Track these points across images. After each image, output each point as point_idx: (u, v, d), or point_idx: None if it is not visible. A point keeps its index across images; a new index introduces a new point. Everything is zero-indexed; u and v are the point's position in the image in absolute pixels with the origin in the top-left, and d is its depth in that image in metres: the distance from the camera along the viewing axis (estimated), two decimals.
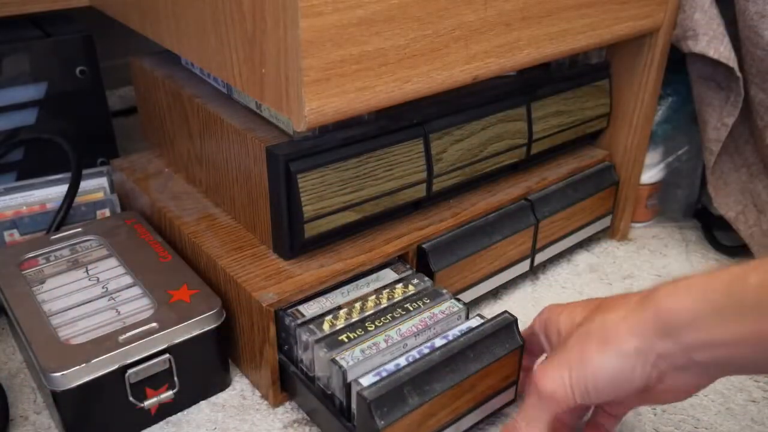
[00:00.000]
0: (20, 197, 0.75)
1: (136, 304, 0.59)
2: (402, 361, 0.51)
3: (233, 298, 0.59)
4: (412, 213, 0.67)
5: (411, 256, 0.64)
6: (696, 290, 0.36)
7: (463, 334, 0.54)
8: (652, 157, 0.82)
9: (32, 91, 0.79)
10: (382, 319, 0.55)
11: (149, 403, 0.56)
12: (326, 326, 0.54)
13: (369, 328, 0.54)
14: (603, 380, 0.40)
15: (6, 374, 0.63)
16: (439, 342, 0.53)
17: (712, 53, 0.68)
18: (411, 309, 0.57)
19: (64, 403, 0.52)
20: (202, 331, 0.57)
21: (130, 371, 0.53)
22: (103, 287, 0.61)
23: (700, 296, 0.36)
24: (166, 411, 0.58)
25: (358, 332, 0.54)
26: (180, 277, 0.61)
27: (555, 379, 0.42)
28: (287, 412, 0.59)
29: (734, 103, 0.70)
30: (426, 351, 0.52)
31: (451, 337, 0.54)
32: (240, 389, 0.62)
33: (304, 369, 0.56)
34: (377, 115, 0.59)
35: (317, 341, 0.53)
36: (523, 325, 0.56)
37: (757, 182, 0.75)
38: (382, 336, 0.53)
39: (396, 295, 0.58)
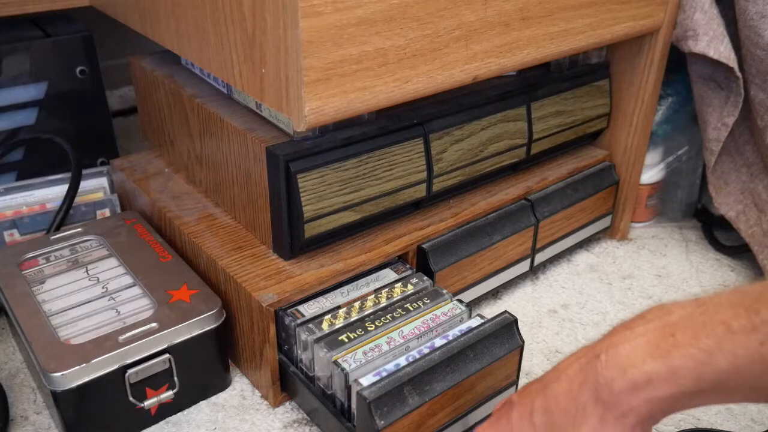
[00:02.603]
0: (20, 197, 0.75)
1: (136, 304, 0.59)
2: (402, 361, 0.51)
3: (233, 298, 0.59)
4: (412, 213, 0.67)
5: (411, 256, 0.64)
6: (662, 377, 0.34)
7: (463, 334, 0.54)
8: (652, 157, 0.82)
9: (32, 91, 0.79)
10: (381, 319, 0.55)
11: (149, 403, 0.56)
12: (325, 325, 0.54)
13: (369, 328, 0.54)
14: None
15: (6, 374, 0.63)
16: (439, 342, 0.53)
17: (712, 53, 0.68)
18: (411, 309, 0.57)
19: (64, 403, 0.52)
20: (202, 331, 0.57)
21: (130, 371, 0.53)
22: (103, 287, 0.61)
23: (669, 390, 0.34)
24: (166, 411, 0.58)
25: (358, 332, 0.54)
26: (180, 277, 0.61)
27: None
28: (287, 412, 0.59)
29: (734, 103, 0.70)
30: (426, 351, 0.52)
31: (451, 337, 0.54)
32: (240, 389, 0.62)
33: (304, 369, 0.56)
34: (377, 115, 0.59)
35: (317, 340, 0.53)
36: (523, 325, 0.55)
37: (758, 182, 0.75)
38: (384, 338, 0.53)
39: (395, 295, 0.58)
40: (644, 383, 0.35)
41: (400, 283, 0.60)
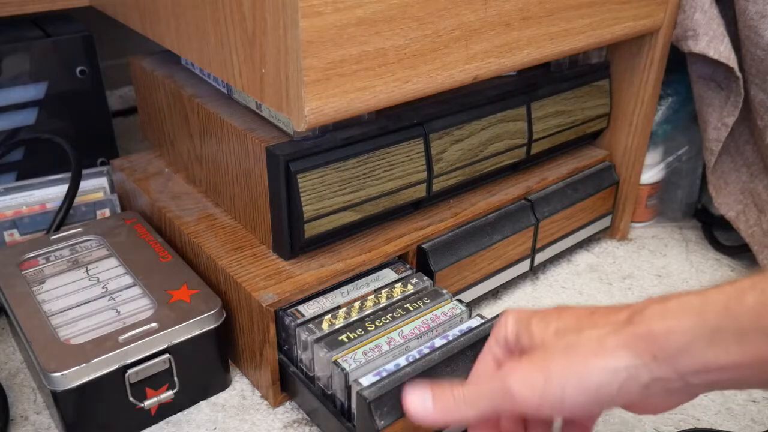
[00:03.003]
0: (20, 197, 0.75)
1: (136, 304, 0.59)
2: (402, 361, 0.51)
3: (233, 298, 0.59)
4: (412, 213, 0.67)
5: (411, 256, 0.64)
6: (690, 312, 0.35)
7: (463, 334, 0.54)
8: (652, 157, 0.82)
9: (32, 91, 0.79)
10: (381, 319, 0.55)
11: (149, 403, 0.56)
12: (325, 325, 0.54)
13: (369, 328, 0.54)
14: (584, 394, 0.37)
15: (6, 374, 0.63)
16: (439, 342, 0.53)
17: (712, 53, 0.68)
18: (411, 309, 0.56)
19: (64, 403, 0.52)
20: (202, 331, 0.57)
21: (130, 371, 0.53)
22: (103, 287, 0.61)
23: (695, 319, 0.34)
24: (166, 411, 0.58)
25: (358, 332, 0.54)
26: (180, 277, 0.61)
27: (527, 381, 0.38)
28: (287, 412, 0.59)
29: (734, 103, 0.70)
30: (426, 351, 0.52)
31: (451, 337, 0.54)
32: (240, 389, 0.62)
33: (304, 369, 0.56)
34: (377, 115, 0.59)
35: (317, 340, 0.53)
36: None
37: (758, 182, 0.75)
38: (384, 338, 0.53)
39: (395, 295, 0.58)
40: (671, 306, 0.35)
41: (400, 283, 0.60)
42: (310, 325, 0.54)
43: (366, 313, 0.56)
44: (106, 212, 0.76)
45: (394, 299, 0.58)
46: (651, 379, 0.36)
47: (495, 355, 0.43)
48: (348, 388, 0.50)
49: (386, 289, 0.59)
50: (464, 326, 0.55)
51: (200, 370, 0.59)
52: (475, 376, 0.44)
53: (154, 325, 0.55)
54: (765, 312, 0.32)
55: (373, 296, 0.58)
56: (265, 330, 0.55)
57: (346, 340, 0.53)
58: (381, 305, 0.57)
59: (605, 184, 0.78)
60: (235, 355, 0.63)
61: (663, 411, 0.39)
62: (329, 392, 0.53)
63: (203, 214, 0.67)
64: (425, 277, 0.61)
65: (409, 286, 0.60)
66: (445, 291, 0.59)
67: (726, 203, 0.77)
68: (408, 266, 0.63)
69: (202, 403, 0.60)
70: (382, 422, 0.47)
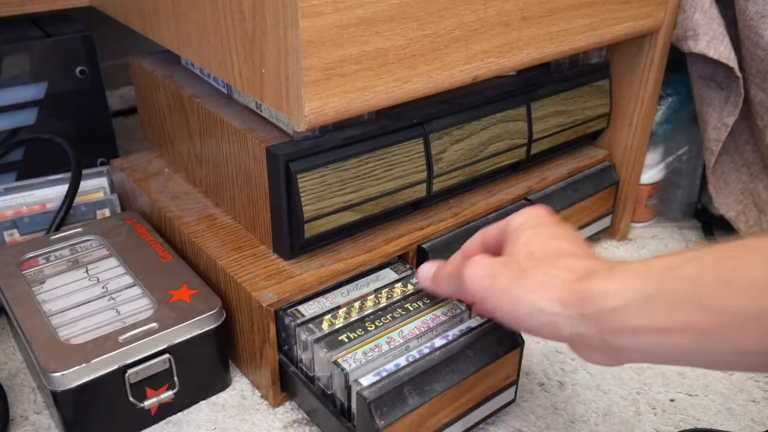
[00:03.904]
0: (20, 197, 0.75)
1: (136, 304, 0.59)
2: (402, 361, 0.51)
3: (233, 298, 0.59)
4: (412, 213, 0.67)
5: (411, 256, 0.64)
6: (630, 277, 0.36)
7: (463, 334, 0.54)
8: (652, 157, 0.82)
9: (32, 91, 0.79)
10: (382, 319, 0.55)
11: (149, 403, 0.56)
12: (325, 325, 0.54)
13: (369, 328, 0.54)
14: (511, 316, 0.41)
15: (6, 374, 0.63)
16: (439, 342, 0.53)
17: (712, 53, 0.68)
18: (411, 309, 0.56)
19: (64, 403, 0.52)
20: (202, 331, 0.57)
21: (130, 371, 0.53)
22: (103, 287, 0.61)
23: (634, 284, 0.36)
24: (166, 411, 0.58)
25: (358, 332, 0.54)
26: (180, 277, 0.61)
27: (477, 279, 0.44)
28: (287, 412, 0.59)
29: (734, 103, 0.70)
30: (426, 351, 0.52)
31: (451, 337, 0.54)
32: (240, 389, 0.62)
33: (304, 369, 0.56)
34: (377, 115, 0.59)
35: (316, 340, 0.53)
36: None
37: (758, 182, 0.75)
38: (384, 338, 0.53)
39: (395, 294, 0.58)
40: (611, 269, 0.38)
41: (400, 283, 0.60)
42: (310, 325, 0.54)
43: (366, 313, 0.56)
44: (106, 212, 0.76)
45: (394, 299, 0.58)
46: (572, 333, 0.39)
47: (487, 233, 0.50)
48: (348, 388, 0.50)
49: (386, 289, 0.59)
50: (464, 326, 0.55)
51: (200, 370, 0.59)
52: (462, 249, 0.51)
53: (154, 325, 0.55)
54: (701, 283, 0.34)
55: (373, 296, 0.58)
56: (265, 330, 0.55)
57: (346, 340, 0.53)
58: (381, 305, 0.57)
59: (605, 184, 0.78)
60: (235, 355, 0.63)
61: (597, 363, 0.41)
62: (329, 392, 0.53)
63: (203, 214, 0.67)
64: None
65: (409, 286, 0.60)
66: None
67: (726, 203, 0.77)
68: (408, 266, 0.63)
69: (202, 403, 0.60)
70: (382, 422, 0.47)
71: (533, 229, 0.45)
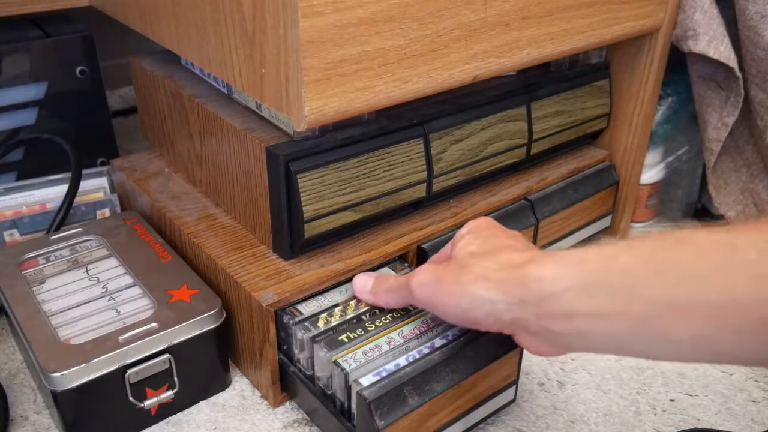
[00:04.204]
0: (20, 197, 0.75)
1: (136, 304, 0.59)
2: (402, 361, 0.51)
3: (233, 298, 0.59)
4: (412, 213, 0.67)
5: (411, 256, 0.64)
6: (568, 264, 0.38)
7: (463, 334, 0.54)
8: (652, 157, 0.82)
9: (32, 91, 0.79)
10: (381, 319, 0.55)
11: (149, 403, 0.56)
12: (321, 323, 0.54)
13: (369, 328, 0.54)
14: (458, 312, 0.43)
15: (6, 374, 0.63)
16: (439, 342, 0.53)
17: (712, 53, 0.68)
18: (411, 309, 0.56)
19: (64, 403, 0.52)
20: (202, 331, 0.57)
21: (130, 371, 0.53)
22: (103, 287, 0.61)
23: (571, 271, 0.37)
24: (166, 411, 0.58)
25: (358, 332, 0.54)
26: (180, 277, 0.61)
27: (423, 286, 0.46)
28: (287, 412, 0.59)
29: (734, 103, 0.70)
30: (426, 351, 0.52)
31: (451, 337, 0.54)
32: (240, 389, 0.62)
33: (302, 368, 0.56)
34: (377, 115, 0.59)
35: (315, 339, 0.53)
36: None
37: (758, 182, 0.75)
38: (384, 338, 0.53)
39: None
40: (553, 261, 0.39)
41: None
42: (306, 324, 0.54)
43: (362, 310, 0.56)
44: (106, 212, 0.76)
45: None
46: (512, 318, 0.40)
47: (437, 257, 0.53)
48: (348, 388, 0.50)
49: None
50: None
51: (200, 370, 0.59)
52: (432, 260, 0.54)
53: (154, 325, 0.55)
54: (635, 272, 0.35)
55: None
56: (265, 330, 0.55)
57: (346, 340, 0.53)
58: None
59: (605, 184, 0.78)
60: (235, 355, 0.63)
61: (541, 354, 0.43)
62: (329, 392, 0.53)
63: (203, 214, 0.67)
64: None
65: None
66: None
67: (726, 203, 0.77)
68: (408, 266, 0.63)
69: (202, 403, 0.60)
70: (382, 422, 0.47)
71: (473, 233, 0.48)
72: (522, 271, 0.40)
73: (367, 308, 0.56)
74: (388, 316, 0.56)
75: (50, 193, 0.76)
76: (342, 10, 0.45)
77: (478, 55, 0.55)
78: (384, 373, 0.50)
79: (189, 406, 0.59)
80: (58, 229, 0.71)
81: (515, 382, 0.57)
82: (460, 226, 0.66)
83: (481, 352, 0.53)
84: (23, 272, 0.63)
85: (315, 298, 0.58)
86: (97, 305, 0.59)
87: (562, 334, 0.39)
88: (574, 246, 0.79)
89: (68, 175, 0.74)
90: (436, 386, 0.50)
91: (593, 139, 0.82)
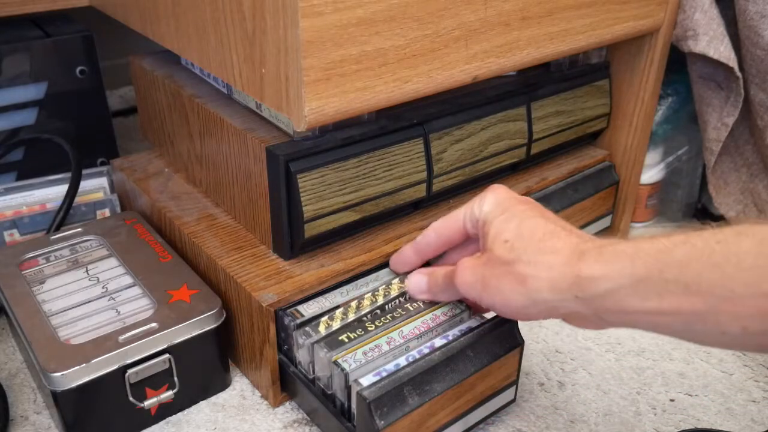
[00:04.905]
0: (20, 197, 0.75)
1: (136, 304, 0.59)
2: (402, 361, 0.51)
3: (233, 298, 0.59)
4: (412, 213, 0.67)
5: None
6: (620, 260, 0.37)
7: (463, 334, 0.54)
8: (652, 157, 0.82)
9: (32, 91, 0.79)
10: (382, 319, 0.55)
11: (149, 403, 0.56)
12: (322, 328, 0.54)
13: (369, 329, 0.54)
14: (509, 311, 0.43)
15: (6, 374, 0.63)
16: (439, 342, 0.53)
17: (712, 53, 0.68)
18: (411, 309, 0.56)
19: (64, 403, 0.52)
20: (202, 331, 0.57)
21: (130, 371, 0.53)
22: (103, 287, 0.61)
23: (624, 268, 0.37)
24: (166, 411, 0.58)
25: (358, 332, 0.54)
26: (180, 277, 0.61)
27: (469, 285, 0.46)
28: (287, 412, 0.59)
29: (734, 103, 0.70)
30: (426, 351, 0.52)
31: (451, 337, 0.54)
32: (240, 389, 0.62)
33: (303, 371, 0.55)
34: (377, 115, 0.59)
35: (315, 343, 0.53)
36: (523, 325, 0.56)
37: (758, 182, 0.75)
38: (384, 338, 0.53)
39: (392, 292, 0.57)
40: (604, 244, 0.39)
41: (397, 279, 0.60)
42: (307, 328, 0.54)
43: (363, 312, 0.56)
44: (106, 212, 0.76)
45: (391, 296, 0.58)
46: (568, 312, 0.41)
47: (444, 229, 0.53)
48: (348, 388, 0.50)
49: (383, 287, 0.59)
50: (464, 326, 0.55)
51: (200, 370, 0.59)
52: (415, 247, 0.56)
53: (154, 325, 0.55)
54: (690, 266, 0.35)
55: (369, 294, 0.58)
56: (265, 330, 0.55)
57: (346, 341, 0.53)
58: (378, 303, 0.57)
59: (605, 184, 0.78)
60: (235, 355, 0.63)
61: (587, 329, 0.45)
62: (329, 392, 0.53)
63: (203, 214, 0.67)
64: None
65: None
66: None
67: (726, 203, 0.77)
68: None
69: (202, 403, 0.60)
70: (382, 422, 0.47)
71: (504, 212, 0.46)
72: (573, 270, 0.39)
73: (368, 310, 0.56)
74: (388, 316, 0.56)
75: (50, 193, 0.76)
76: (342, 10, 0.45)
77: (478, 55, 0.55)
78: (384, 373, 0.50)
79: (189, 406, 0.59)
80: (58, 229, 0.71)
81: (515, 382, 0.57)
82: None
83: (481, 352, 0.53)
84: (23, 272, 0.63)
85: (315, 300, 0.58)
86: (97, 305, 0.59)
87: (615, 323, 0.39)
88: None
89: (68, 175, 0.74)
90: (436, 386, 0.50)
91: (593, 139, 0.82)
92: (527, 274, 0.41)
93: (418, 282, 0.55)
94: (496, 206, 0.48)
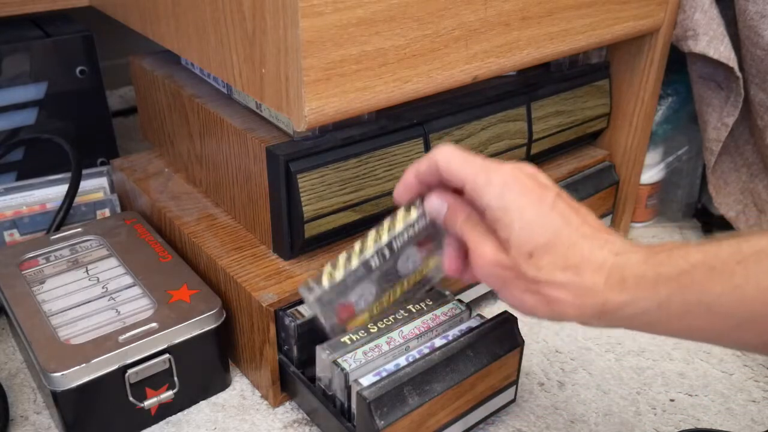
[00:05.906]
0: (20, 197, 0.75)
1: (136, 304, 0.59)
2: (402, 361, 0.51)
3: (233, 298, 0.59)
4: None
5: None
6: (644, 287, 0.38)
7: (463, 334, 0.54)
8: (652, 157, 0.82)
9: (32, 91, 0.79)
10: (384, 321, 0.55)
11: (149, 403, 0.56)
12: (325, 280, 0.50)
13: (371, 330, 0.54)
14: (524, 314, 0.43)
15: (6, 374, 0.63)
16: (439, 342, 0.53)
17: (712, 53, 0.68)
18: (413, 311, 0.56)
19: (64, 403, 0.52)
20: (202, 331, 0.57)
21: (130, 371, 0.53)
22: (103, 287, 0.61)
23: (647, 294, 0.38)
24: (166, 411, 0.58)
25: (360, 334, 0.54)
26: (180, 277, 0.61)
27: (489, 277, 0.42)
28: (287, 412, 0.59)
29: (734, 103, 0.70)
30: (426, 351, 0.52)
31: (451, 337, 0.54)
32: (240, 389, 0.62)
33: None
34: (377, 115, 0.59)
35: (317, 300, 0.49)
36: (523, 325, 0.55)
37: (758, 182, 0.75)
38: (384, 338, 0.53)
39: (397, 225, 0.54)
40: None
41: (405, 211, 0.58)
42: (311, 283, 0.48)
43: (367, 255, 0.53)
44: (106, 212, 0.76)
45: (396, 231, 0.55)
46: (587, 323, 0.41)
47: (467, 191, 0.43)
48: (348, 388, 0.50)
49: (390, 222, 0.56)
50: (464, 326, 0.55)
51: (200, 370, 0.59)
52: (417, 171, 0.45)
53: (154, 325, 0.55)
54: (712, 289, 0.36)
55: (374, 233, 0.55)
56: (265, 330, 0.55)
57: (349, 342, 0.53)
58: (383, 242, 0.53)
59: (605, 184, 0.78)
60: (235, 355, 0.63)
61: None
62: (329, 392, 0.53)
63: (203, 214, 0.67)
64: None
65: (413, 211, 0.57)
66: (447, 292, 0.59)
67: (726, 203, 0.77)
68: None
69: (202, 403, 0.60)
70: (382, 422, 0.47)
71: (515, 212, 0.41)
72: (600, 299, 0.39)
73: (373, 251, 0.54)
74: (390, 318, 0.56)
75: (50, 193, 0.76)
76: (342, 10, 0.45)
77: (478, 55, 0.55)
78: (384, 373, 0.50)
79: (189, 406, 0.59)
80: (58, 229, 0.71)
81: (515, 382, 0.57)
82: None
83: (481, 352, 0.53)
84: (23, 272, 0.63)
85: None
86: (97, 305, 0.59)
87: (638, 332, 0.41)
88: None
89: (68, 175, 0.74)
90: (436, 386, 0.50)
91: (593, 139, 0.82)
92: (554, 297, 0.41)
93: (438, 207, 0.46)
94: (512, 180, 0.42)
